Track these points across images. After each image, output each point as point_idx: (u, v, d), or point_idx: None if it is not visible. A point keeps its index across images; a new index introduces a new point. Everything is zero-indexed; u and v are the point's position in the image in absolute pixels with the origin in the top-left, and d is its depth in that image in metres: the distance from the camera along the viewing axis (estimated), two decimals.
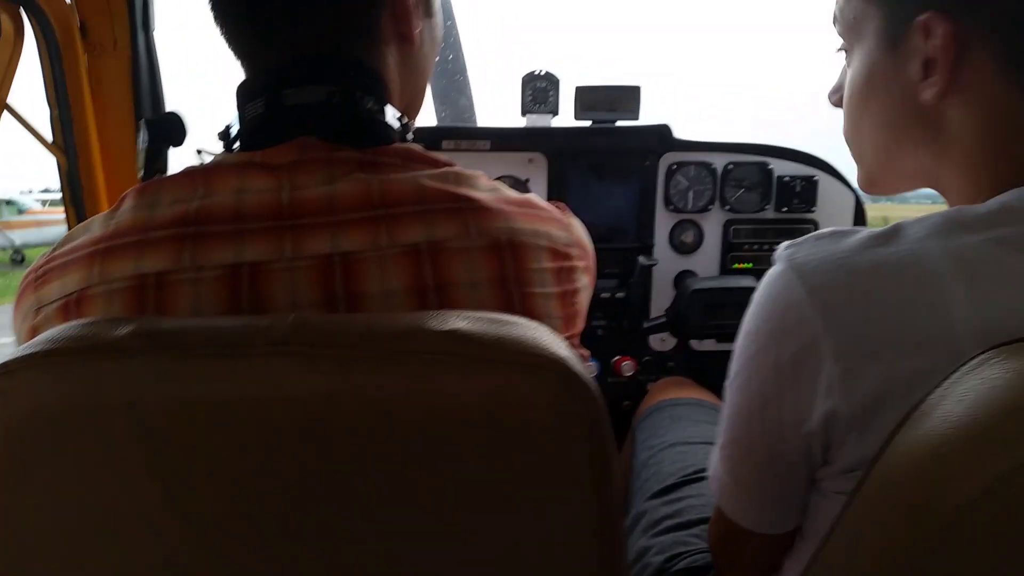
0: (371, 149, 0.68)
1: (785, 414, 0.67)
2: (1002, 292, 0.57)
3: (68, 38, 1.16)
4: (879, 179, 0.80)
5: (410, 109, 0.80)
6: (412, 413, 0.51)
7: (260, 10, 0.69)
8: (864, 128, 0.77)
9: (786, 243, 0.68)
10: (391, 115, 0.71)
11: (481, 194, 0.67)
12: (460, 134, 1.78)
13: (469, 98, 2.19)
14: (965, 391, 0.50)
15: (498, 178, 1.78)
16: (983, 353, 0.52)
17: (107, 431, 0.53)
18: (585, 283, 0.75)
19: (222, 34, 0.72)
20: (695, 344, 1.86)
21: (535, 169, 1.80)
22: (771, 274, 0.68)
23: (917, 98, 0.69)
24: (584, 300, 0.75)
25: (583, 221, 1.77)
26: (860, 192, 1.87)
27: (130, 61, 1.17)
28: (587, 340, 1.84)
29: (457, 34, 2.15)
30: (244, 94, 0.69)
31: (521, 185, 1.80)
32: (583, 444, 0.53)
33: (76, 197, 1.19)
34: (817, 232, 0.67)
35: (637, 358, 1.85)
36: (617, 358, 1.83)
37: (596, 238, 1.80)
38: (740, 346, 0.72)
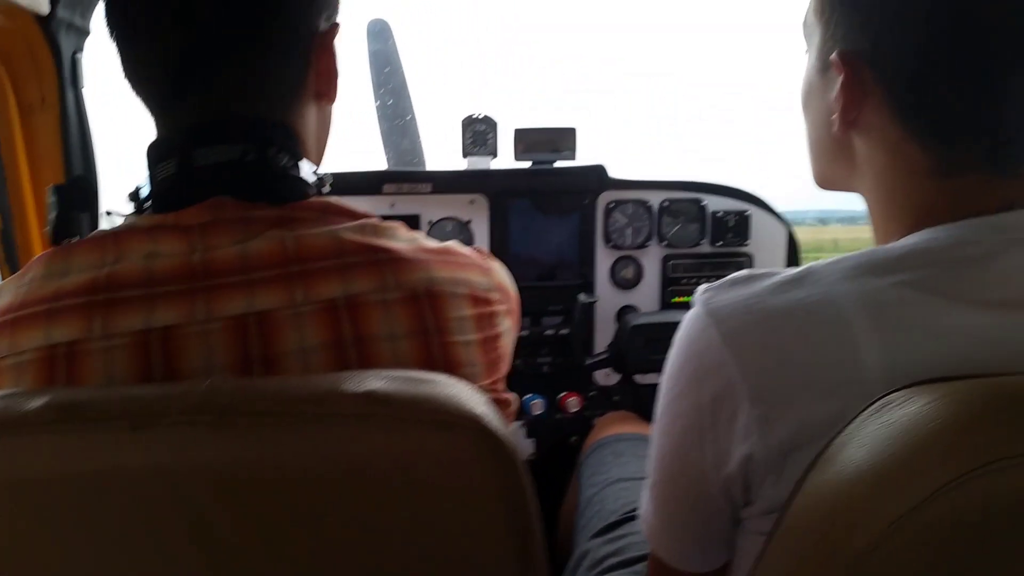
0: (288, 205, 0.67)
1: (706, 456, 0.68)
2: (909, 335, 0.59)
3: (1, 98, 1.16)
4: (820, 180, 0.83)
5: (320, 161, 0.80)
6: (329, 476, 0.51)
7: (183, 70, 0.68)
8: (806, 133, 0.81)
9: (704, 286, 0.70)
10: (306, 170, 0.71)
11: (399, 244, 0.67)
12: (401, 178, 1.79)
13: (413, 140, 2.20)
14: (865, 436, 0.52)
15: (440, 220, 1.81)
16: (884, 397, 0.53)
17: (21, 506, 0.52)
18: (508, 327, 0.76)
19: (132, 86, 0.71)
20: (639, 378, 1.88)
21: (476, 210, 1.82)
22: (689, 317, 0.70)
23: (833, 124, 0.72)
24: (507, 344, 0.76)
25: (525, 260, 1.82)
26: (791, 225, 1.93)
27: (59, 119, 1.16)
28: (533, 377, 1.86)
29: (403, 78, 2.16)
30: (154, 154, 0.69)
31: (463, 226, 1.81)
32: (500, 500, 0.54)
33: (11, 256, 1.18)
34: (734, 275, 0.69)
35: (583, 393, 1.86)
36: (563, 394, 1.84)
37: (539, 276, 1.85)
38: (663, 388, 0.73)
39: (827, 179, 0.81)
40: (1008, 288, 0.60)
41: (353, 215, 0.69)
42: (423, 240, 0.71)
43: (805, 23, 0.79)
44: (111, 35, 0.70)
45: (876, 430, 0.51)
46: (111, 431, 0.51)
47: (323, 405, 0.52)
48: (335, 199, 0.71)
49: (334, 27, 0.76)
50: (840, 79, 0.69)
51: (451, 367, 0.65)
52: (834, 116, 0.71)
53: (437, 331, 0.65)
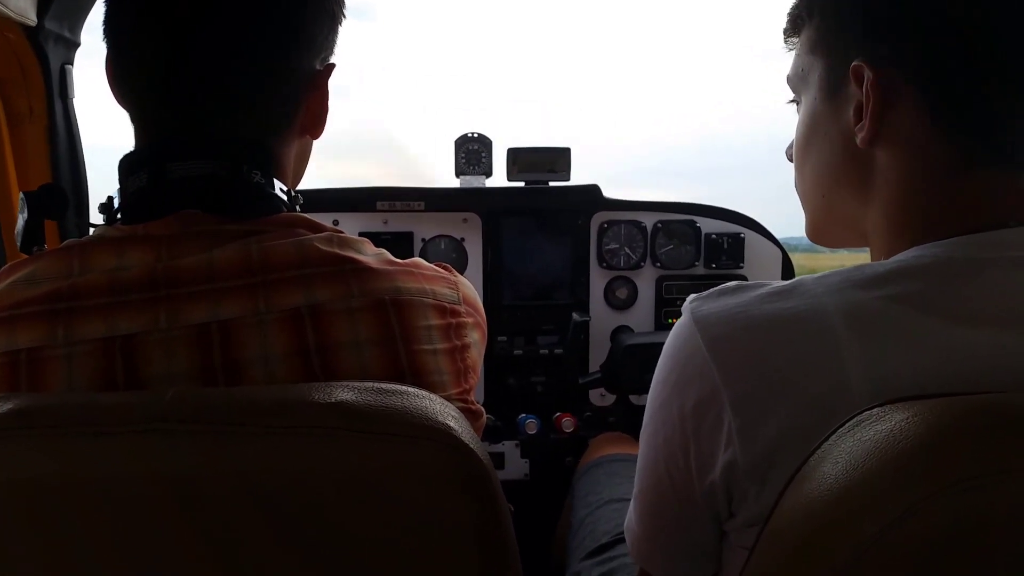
0: (258, 219, 0.68)
1: (690, 463, 0.67)
2: (892, 347, 0.59)
3: None
4: (820, 226, 0.82)
5: (295, 187, 0.81)
6: (294, 489, 0.51)
7: (169, 82, 0.68)
8: (807, 174, 0.80)
9: (692, 295, 0.70)
10: (278, 187, 0.72)
11: (365, 257, 0.68)
12: (394, 194, 1.79)
13: None
14: (840, 453, 0.51)
15: (434, 237, 1.81)
16: (859, 414, 0.53)
17: None
18: (476, 339, 0.76)
19: (117, 92, 0.71)
20: (634, 399, 1.87)
21: (470, 228, 1.82)
22: (676, 326, 0.70)
23: (851, 143, 0.71)
24: (476, 355, 0.76)
25: (519, 279, 1.82)
26: (785, 248, 1.92)
27: (47, 129, 1.18)
28: (527, 397, 1.85)
29: None
30: (126, 167, 0.69)
31: (457, 244, 1.81)
32: (472, 513, 0.53)
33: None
34: (722, 286, 0.69)
35: (578, 414, 1.85)
36: (558, 415, 1.83)
37: (532, 295, 1.85)
38: (650, 396, 0.73)
39: (833, 218, 0.79)
40: (990, 304, 0.60)
41: (320, 228, 0.70)
42: (388, 255, 0.71)
43: (793, 71, 0.79)
44: (104, 38, 0.71)
45: (851, 447, 0.51)
46: (72, 437, 0.50)
47: (289, 416, 0.51)
48: (303, 215, 0.71)
49: (328, 68, 0.77)
50: (864, 85, 0.68)
51: (418, 375, 0.66)
52: (858, 126, 0.70)
53: (403, 339, 0.65)
